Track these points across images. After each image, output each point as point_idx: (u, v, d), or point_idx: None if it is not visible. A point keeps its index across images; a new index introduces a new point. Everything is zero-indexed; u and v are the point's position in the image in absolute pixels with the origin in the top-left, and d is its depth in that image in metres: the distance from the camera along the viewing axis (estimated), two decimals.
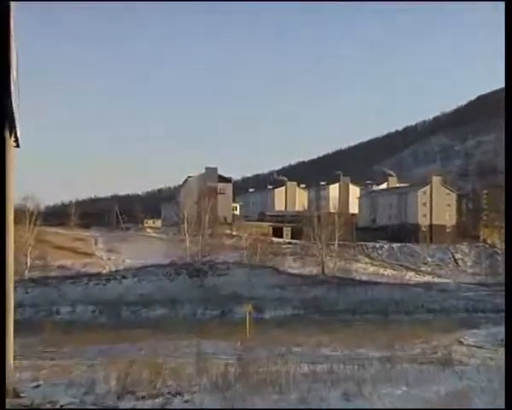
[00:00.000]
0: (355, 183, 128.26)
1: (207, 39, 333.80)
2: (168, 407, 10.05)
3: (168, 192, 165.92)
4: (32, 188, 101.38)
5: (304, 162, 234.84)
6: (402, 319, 45.80)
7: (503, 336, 17.84)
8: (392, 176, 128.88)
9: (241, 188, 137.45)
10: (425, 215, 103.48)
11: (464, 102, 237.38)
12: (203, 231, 75.97)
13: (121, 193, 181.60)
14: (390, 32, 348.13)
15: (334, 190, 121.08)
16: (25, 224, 64.93)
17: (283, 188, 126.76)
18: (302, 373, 13.49)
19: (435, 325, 33.48)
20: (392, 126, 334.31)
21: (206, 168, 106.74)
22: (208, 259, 71.34)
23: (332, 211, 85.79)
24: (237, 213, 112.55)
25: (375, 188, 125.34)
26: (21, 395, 10.65)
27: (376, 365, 15.63)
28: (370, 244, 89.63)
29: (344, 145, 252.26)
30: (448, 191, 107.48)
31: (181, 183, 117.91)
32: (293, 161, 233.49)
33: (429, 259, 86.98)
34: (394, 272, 77.88)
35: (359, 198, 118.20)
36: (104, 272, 69.44)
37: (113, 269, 70.92)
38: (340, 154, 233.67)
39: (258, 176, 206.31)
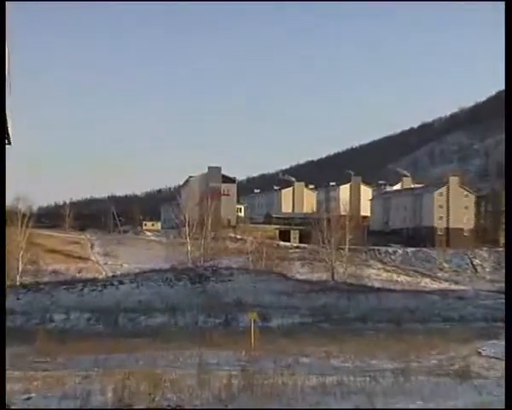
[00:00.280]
0: (367, 183, 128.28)
1: (211, 37, 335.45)
2: None
3: (168, 193, 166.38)
4: (24, 188, 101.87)
5: (313, 161, 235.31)
6: (417, 328, 45.61)
7: None
8: (406, 176, 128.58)
9: (246, 189, 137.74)
10: (441, 218, 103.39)
11: (483, 99, 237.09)
12: (205, 234, 76.01)
13: (118, 193, 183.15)
14: (394, 30, 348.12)
15: (344, 190, 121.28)
16: (16, 226, 65.15)
17: (291, 189, 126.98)
18: (310, 386, 13.51)
19: (452, 335, 33.36)
20: (407, 124, 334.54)
21: (209, 168, 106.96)
22: (211, 264, 71.29)
23: (342, 213, 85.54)
24: (242, 215, 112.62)
25: (388, 189, 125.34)
26: (12, 407, 10.68)
27: (389, 377, 15.62)
28: (383, 249, 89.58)
29: (355, 143, 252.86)
30: (466, 192, 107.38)
31: (182, 183, 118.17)
32: (302, 160, 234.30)
33: (446, 264, 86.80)
34: (408, 279, 77.70)
35: (371, 200, 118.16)
36: (100, 277, 69.46)
37: (110, 274, 70.96)
38: (351, 152, 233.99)
39: (263, 176, 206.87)
